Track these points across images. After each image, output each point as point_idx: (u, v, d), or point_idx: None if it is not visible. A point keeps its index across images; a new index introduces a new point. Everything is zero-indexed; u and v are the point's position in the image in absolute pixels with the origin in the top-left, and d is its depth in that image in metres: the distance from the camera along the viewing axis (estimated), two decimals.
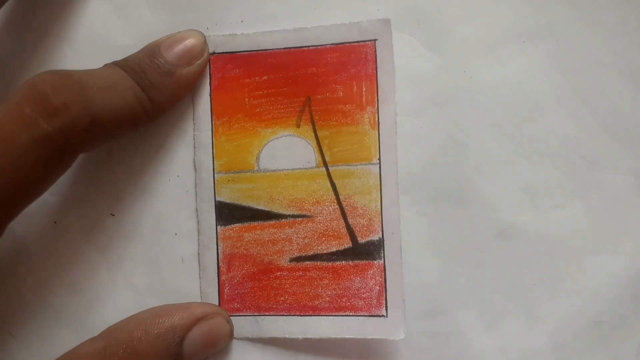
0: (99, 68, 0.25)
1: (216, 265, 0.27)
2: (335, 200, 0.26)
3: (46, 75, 0.23)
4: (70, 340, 0.27)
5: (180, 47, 0.26)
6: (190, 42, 0.26)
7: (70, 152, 0.24)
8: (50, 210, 0.27)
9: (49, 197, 0.27)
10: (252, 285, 0.27)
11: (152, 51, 0.25)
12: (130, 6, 0.27)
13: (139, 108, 0.24)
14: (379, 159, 0.26)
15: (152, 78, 0.25)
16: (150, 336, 0.24)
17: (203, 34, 0.26)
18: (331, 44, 0.26)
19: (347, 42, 0.26)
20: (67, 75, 0.23)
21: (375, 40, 0.26)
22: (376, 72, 0.26)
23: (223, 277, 0.27)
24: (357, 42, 0.26)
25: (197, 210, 0.27)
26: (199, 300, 0.27)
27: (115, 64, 0.25)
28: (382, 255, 0.26)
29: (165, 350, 0.24)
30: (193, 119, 0.27)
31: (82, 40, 0.27)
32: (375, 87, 0.26)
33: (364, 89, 0.26)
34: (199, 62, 0.26)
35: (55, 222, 0.27)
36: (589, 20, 0.26)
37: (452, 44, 0.26)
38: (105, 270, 0.27)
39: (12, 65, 0.28)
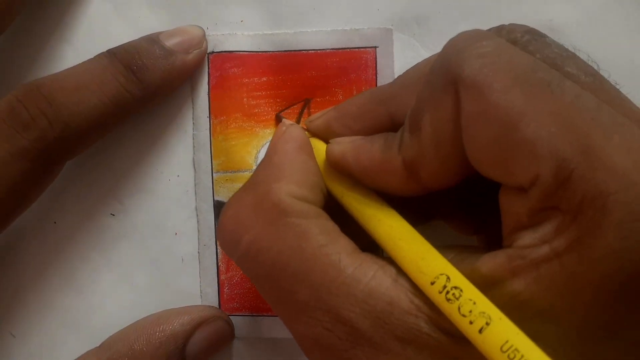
0: (83, 62, 0.25)
1: (216, 265, 0.27)
2: None
3: (17, 90, 0.24)
4: (70, 340, 0.27)
5: (178, 36, 0.26)
6: (189, 32, 0.26)
7: (53, 161, 0.24)
8: (50, 210, 0.27)
9: (49, 197, 0.27)
10: (252, 285, 0.26)
11: (150, 38, 0.26)
12: (131, 6, 0.27)
13: (126, 94, 0.24)
14: None
15: (145, 59, 0.25)
16: (152, 347, 0.24)
17: (203, 29, 0.27)
18: (331, 49, 0.26)
19: (348, 48, 0.26)
20: (35, 86, 0.24)
21: (376, 47, 0.26)
22: (376, 78, 0.26)
23: (222, 277, 0.27)
24: (358, 48, 0.26)
25: (196, 209, 0.27)
26: (200, 300, 0.27)
27: (110, 50, 0.25)
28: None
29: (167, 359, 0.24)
30: (192, 118, 0.27)
31: (82, 40, 0.27)
32: None
33: None
34: (196, 51, 0.26)
35: (55, 222, 0.27)
36: (590, 19, 0.26)
37: None
38: (105, 270, 0.27)
39: (14, 66, 0.28)
